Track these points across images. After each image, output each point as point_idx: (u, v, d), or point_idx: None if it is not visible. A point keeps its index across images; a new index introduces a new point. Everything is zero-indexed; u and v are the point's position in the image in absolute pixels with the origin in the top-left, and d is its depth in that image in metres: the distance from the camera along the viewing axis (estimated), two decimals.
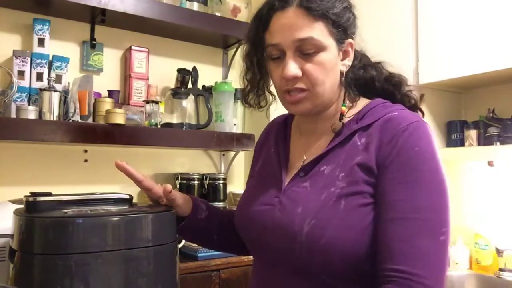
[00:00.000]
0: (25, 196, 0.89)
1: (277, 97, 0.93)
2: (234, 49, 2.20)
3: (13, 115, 1.56)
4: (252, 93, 0.94)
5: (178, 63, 2.04)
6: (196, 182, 2.00)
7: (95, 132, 1.62)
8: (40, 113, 1.56)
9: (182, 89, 1.94)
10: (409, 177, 0.77)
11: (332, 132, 0.88)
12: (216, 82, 2.03)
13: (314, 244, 0.77)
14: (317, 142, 0.90)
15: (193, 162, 2.11)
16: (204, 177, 2.01)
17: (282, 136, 0.99)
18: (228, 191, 2.10)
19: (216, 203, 1.99)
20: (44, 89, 1.57)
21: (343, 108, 0.88)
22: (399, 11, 1.85)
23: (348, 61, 0.88)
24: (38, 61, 1.64)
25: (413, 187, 0.76)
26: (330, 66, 0.84)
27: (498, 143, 1.64)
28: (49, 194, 0.89)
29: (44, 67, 1.65)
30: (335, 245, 0.76)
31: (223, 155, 2.21)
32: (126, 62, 1.94)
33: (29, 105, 1.60)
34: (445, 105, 1.89)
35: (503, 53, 1.52)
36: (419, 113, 0.93)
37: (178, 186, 1.94)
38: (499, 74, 1.61)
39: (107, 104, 1.72)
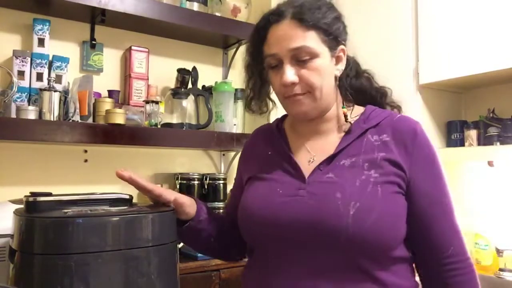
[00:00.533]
0: (25, 196, 0.89)
1: (277, 103, 1.02)
2: (234, 49, 2.20)
3: (13, 115, 1.56)
4: (255, 100, 1.04)
5: (178, 63, 2.04)
6: (196, 182, 1.99)
7: (95, 132, 1.62)
8: (40, 113, 1.56)
9: (182, 89, 1.94)
10: (432, 169, 0.92)
11: (338, 132, 0.97)
12: (216, 82, 2.03)
13: (361, 225, 0.83)
14: (323, 140, 0.98)
15: (193, 162, 2.11)
16: (204, 177, 2.01)
17: (277, 140, 1.03)
18: (228, 191, 2.10)
19: (216, 203, 1.99)
20: (44, 89, 1.57)
21: (344, 110, 0.98)
22: (399, 11, 1.85)
23: (341, 66, 0.97)
24: (38, 61, 1.64)
25: (436, 176, 0.92)
26: (325, 71, 0.92)
27: (498, 143, 1.64)
28: (49, 194, 0.89)
29: (44, 67, 1.65)
30: (379, 226, 0.84)
31: (223, 155, 2.21)
32: (126, 62, 1.94)
33: (29, 105, 1.60)
34: (445, 105, 1.89)
35: (503, 53, 1.52)
36: None
37: (178, 186, 1.94)
38: (499, 74, 1.61)
39: (107, 104, 1.72)
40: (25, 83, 1.62)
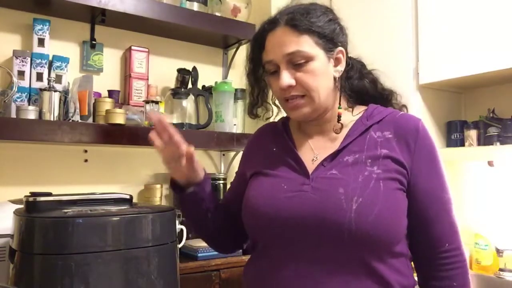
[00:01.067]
0: (25, 196, 0.89)
1: (281, 109, 1.06)
2: (234, 49, 2.19)
3: (13, 115, 1.56)
4: (256, 106, 1.08)
5: (178, 63, 2.04)
6: None
7: (95, 132, 1.62)
8: (40, 113, 1.56)
9: (182, 89, 1.94)
10: (433, 166, 0.94)
11: (335, 133, 0.99)
12: (216, 82, 2.03)
13: (363, 219, 0.85)
14: (327, 139, 1.00)
15: None
16: None
17: (282, 137, 1.06)
18: None
19: None
20: (44, 89, 1.57)
21: (340, 110, 1.00)
22: (399, 11, 1.84)
23: (341, 67, 0.99)
24: (38, 61, 1.64)
25: (437, 173, 0.95)
26: (320, 73, 0.95)
27: (498, 143, 1.64)
28: (49, 194, 0.90)
29: (44, 67, 1.65)
30: (381, 221, 0.86)
31: (223, 155, 2.21)
32: (126, 62, 1.94)
33: (29, 105, 1.60)
34: (445, 105, 1.89)
35: (503, 53, 1.52)
36: None
37: None
38: (499, 74, 1.61)
39: (107, 104, 1.72)
40: (25, 83, 1.62)
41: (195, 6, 1.98)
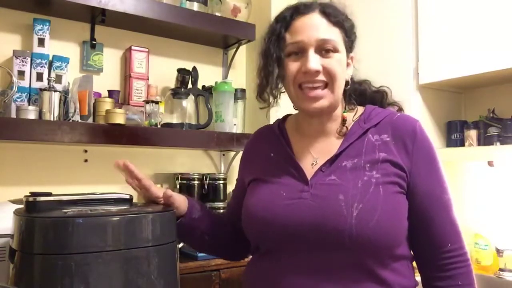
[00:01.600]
0: (25, 196, 0.89)
1: (277, 99, 1.02)
2: (234, 49, 2.19)
3: (13, 115, 1.56)
4: (269, 88, 1.00)
5: (178, 63, 2.04)
6: (196, 182, 1.99)
7: (95, 132, 1.62)
8: (40, 113, 1.56)
9: (182, 89, 1.94)
10: (432, 167, 0.94)
11: (339, 134, 0.99)
12: (216, 82, 2.03)
13: (364, 225, 0.85)
14: (326, 142, 0.99)
15: (193, 162, 2.11)
16: (204, 177, 2.01)
17: (279, 142, 1.04)
18: (228, 191, 2.10)
19: (216, 203, 1.99)
20: (44, 89, 1.57)
21: (345, 114, 1.00)
22: (399, 11, 1.84)
23: (350, 71, 1.01)
24: (38, 61, 1.64)
25: (436, 174, 0.94)
26: (343, 67, 0.96)
27: (498, 143, 1.64)
28: (49, 194, 0.89)
29: (44, 67, 1.65)
30: (382, 226, 0.86)
31: (223, 155, 2.21)
32: (126, 62, 1.94)
33: (29, 105, 1.60)
34: (445, 105, 1.89)
35: (503, 53, 1.52)
36: None
37: (178, 186, 1.94)
38: (499, 74, 1.61)
39: (107, 104, 1.72)
40: (25, 83, 1.62)
41: (195, 6, 1.98)
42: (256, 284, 0.98)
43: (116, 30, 1.93)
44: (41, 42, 1.66)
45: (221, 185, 2.04)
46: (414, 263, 0.99)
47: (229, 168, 2.18)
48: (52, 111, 1.57)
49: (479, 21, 1.59)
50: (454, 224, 0.94)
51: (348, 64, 0.99)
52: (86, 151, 1.85)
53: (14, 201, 1.18)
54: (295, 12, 0.96)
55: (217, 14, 2.05)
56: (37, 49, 1.65)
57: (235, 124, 2.04)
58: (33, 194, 0.88)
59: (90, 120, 1.69)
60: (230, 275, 1.63)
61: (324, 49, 0.92)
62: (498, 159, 1.67)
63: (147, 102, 1.82)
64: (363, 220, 0.85)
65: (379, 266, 0.88)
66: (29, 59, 1.63)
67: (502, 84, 1.76)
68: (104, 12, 1.72)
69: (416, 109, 1.77)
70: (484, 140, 1.70)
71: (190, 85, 1.98)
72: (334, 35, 0.94)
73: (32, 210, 0.86)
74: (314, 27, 0.93)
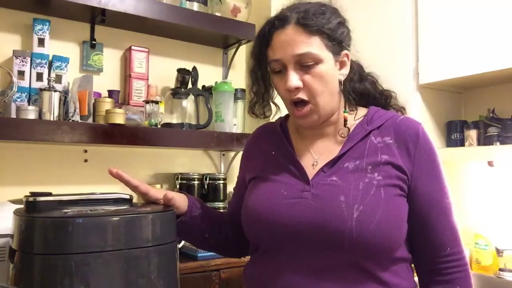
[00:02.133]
0: (25, 196, 0.89)
1: (281, 107, 1.03)
2: (234, 49, 2.19)
3: (13, 115, 1.56)
4: (258, 104, 1.04)
5: (178, 63, 2.04)
6: (196, 182, 1.99)
7: (95, 132, 1.62)
8: (40, 113, 1.56)
9: (182, 89, 1.94)
10: (434, 171, 0.94)
11: (340, 137, 0.98)
12: (216, 82, 2.03)
13: (364, 228, 0.84)
14: (327, 143, 0.99)
15: (193, 162, 2.11)
16: (204, 177, 2.01)
17: (281, 140, 1.04)
18: (228, 191, 2.10)
19: (216, 203, 1.99)
20: (44, 89, 1.57)
21: (345, 114, 0.98)
22: (399, 11, 1.84)
23: (345, 71, 0.97)
24: (38, 61, 1.64)
25: (437, 178, 0.94)
26: (328, 77, 0.93)
27: (498, 143, 1.64)
28: (49, 194, 0.89)
29: (44, 67, 1.65)
30: (382, 229, 0.85)
31: (223, 155, 2.21)
32: (126, 62, 1.94)
33: (29, 105, 1.60)
34: (445, 105, 1.89)
35: (503, 53, 1.52)
36: None
37: (178, 186, 1.94)
38: (499, 74, 1.61)
39: (107, 104, 1.72)
40: (25, 83, 1.62)
41: (195, 6, 1.98)
42: (255, 284, 0.98)
43: (116, 30, 1.93)
44: (41, 42, 1.66)
45: (221, 185, 2.04)
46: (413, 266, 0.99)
47: (229, 168, 2.18)
48: (52, 111, 1.57)
49: (479, 21, 1.59)
50: (453, 229, 0.94)
51: (342, 63, 0.96)
52: (86, 151, 1.85)
53: (14, 201, 1.18)
54: (272, 27, 0.94)
55: (217, 14, 2.05)
56: (37, 49, 1.65)
57: (235, 124, 2.04)
58: (33, 194, 0.88)
59: (90, 120, 1.69)
60: (230, 275, 1.63)
61: (303, 64, 0.90)
62: (498, 159, 1.67)
63: (147, 102, 1.82)
64: (363, 222, 0.85)
65: (378, 267, 0.88)
66: (29, 59, 1.63)
67: (502, 84, 1.76)
68: (104, 12, 1.73)
69: (416, 109, 1.77)
70: (484, 140, 1.70)
71: (190, 85, 1.98)
72: (312, 46, 0.90)
73: (32, 210, 0.86)
74: (290, 42, 0.90)
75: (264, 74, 1.00)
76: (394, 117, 0.98)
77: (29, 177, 1.72)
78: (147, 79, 1.94)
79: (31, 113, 1.54)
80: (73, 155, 1.82)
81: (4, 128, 1.47)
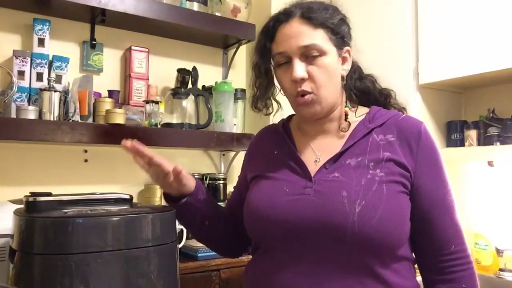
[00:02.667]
0: (25, 196, 0.89)
1: (283, 105, 1.05)
2: (234, 49, 2.19)
3: (13, 115, 1.56)
4: (261, 99, 1.05)
5: (178, 63, 2.04)
6: None
7: (95, 132, 1.62)
8: (40, 113, 1.56)
9: (182, 89, 1.94)
10: (436, 169, 0.94)
11: (341, 131, 0.99)
12: (216, 82, 2.03)
13: (366, 223, 0.85)
14: (329, 140, 1.00)
15: (193, 162, 2.11)
16: (204, 177, 2.01)
17: (283, 139, 1.05)
18: (228, 191, 2.10)
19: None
20: (44, 89, 1.57)
21: (346, 109, 1.00)
22: (399, 11, 1.84)
23: (347, 66, 1.00)
24: (38, 61, 1.64)
25: (440, 175, 0.94)
26: (332, 69, 0.95)
27: (498, 143, 1.64)
28: (49, 194, 0.90)
29: (44, 67, 1.65)
30: (384, 224, 0.85)
31: (223, 155, 2.21)
32: (126, 62, 1.94)
33: (29, 105, 1.60)
34: (445, 105, 1.89)
35: (503, 53, 1.52)
36: None
37: None
38: (499, 74, 1.61)
39: (107, 104, 1.72)
40: (25, 83, 1.62)
41: (195, 6, 1.98)
42: (256, 282, 0.98)
43: (116, 30, 1.93)
44: (41, 42, 1.66)
45: (221, 185, 2.04)
46: (416, 266, 0.98)
47: (229, 168, 2.18)
48: (52, 111, 1.57)
49: (479, 21, 1.59)
50: (457, 226, 0.94)
51: (344, 59, 0.98)
52: (86, 151, 1.85)
53: (14, 201, 1.18)
54: (276, 22, 0.97)
55: (217, 14, 2.05)
56: (37, 49, 1.65)
57: (235, 124, 2.04)
58: (33, 194, 0.88)
59: (90, 120, 1.69)
60: (230, 275, 1.64)
61: (308, 55, 0.93)
62: (498, 159, 1.68)
63: (147, 102, 1.82)
64: (365, 217, 0.85)
65: (380, 265, 0.88)
66: (29, 59, 1.63)
67: (502, 84, 1.76)
68: (104, 12, 1.72)
69: (416, 109, 1.77)
70: (484, 140, 1.70)
71: (190, 85, 1.98)
72: (317, 38, 0.93)
73: (32, 210, 0.87)
74: (295, 34, 0.93)
75: (267, 69, 1.01)
76: (396, 116, 0.99)
77: (29, 177, 1.72)
78: (147, 79, 1.94)
79: (31, 113, 1.54)
80: (73, 155, 1.82)
81: (4, 128, 1.47)
